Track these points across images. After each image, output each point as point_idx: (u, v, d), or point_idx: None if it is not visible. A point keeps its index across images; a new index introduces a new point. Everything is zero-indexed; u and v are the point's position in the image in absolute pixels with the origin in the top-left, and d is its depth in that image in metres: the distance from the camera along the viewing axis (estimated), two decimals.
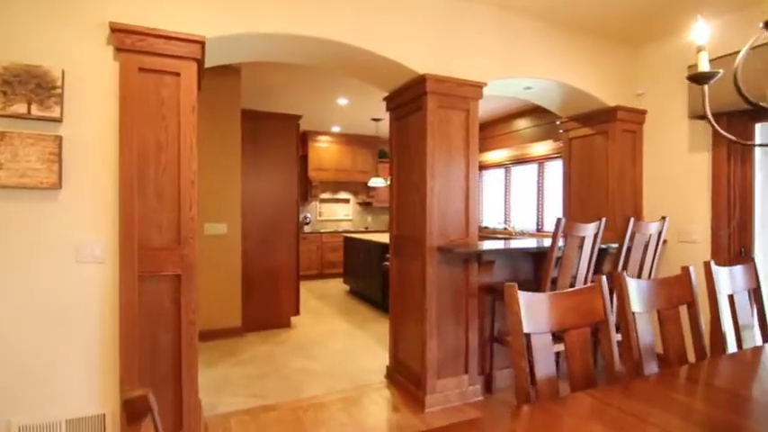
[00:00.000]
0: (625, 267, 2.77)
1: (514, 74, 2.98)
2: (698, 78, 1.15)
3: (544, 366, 1.26)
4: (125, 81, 2.00)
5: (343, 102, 5.47)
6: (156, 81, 2.06)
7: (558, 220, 2.40)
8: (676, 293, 1.60)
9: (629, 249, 2.72)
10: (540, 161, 6.19)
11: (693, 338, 1.61)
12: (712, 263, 1.75)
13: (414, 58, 2.64)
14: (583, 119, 3.67)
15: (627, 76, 3.54)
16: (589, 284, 1.42)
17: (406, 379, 2.89)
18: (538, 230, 6.26)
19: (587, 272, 2.62)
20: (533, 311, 1.25)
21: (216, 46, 2.27)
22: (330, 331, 4.33)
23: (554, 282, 2.57)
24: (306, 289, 6.56)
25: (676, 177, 3.32)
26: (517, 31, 3.00)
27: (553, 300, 1.30)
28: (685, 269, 1.65)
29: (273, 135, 4.41)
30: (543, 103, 3.68)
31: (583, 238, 2.51)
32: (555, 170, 5.92)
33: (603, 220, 2.59)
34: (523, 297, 1.24)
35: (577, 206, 3.78)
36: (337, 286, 6.84)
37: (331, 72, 4.29)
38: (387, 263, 4.83)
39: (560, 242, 2.44)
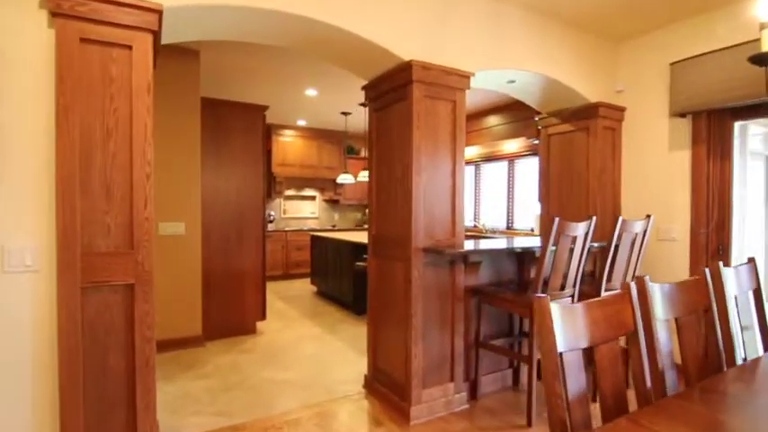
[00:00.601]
0: (612, 267, 2.70)
1: (502, 65, 2.85)
2: (763, 59, 1.00)
3: (576, 388, 1.10)
4: (63, 53, 1.66)
5: (311, 93, 5.18)
6: (103, 55, 1.73)
7: (556, 220, 2.28)
8: (694, 298, 1.50)
9: (616, 248, 2.65)
10: (511, 159, 6.17)
11: (709, 346, 1.51)
12: (721, 264, 1.66)
13: (399, 43, 2.43)
14: (563, 115, 3.60)
15: (607, 73, 3.50)
16: (616, 292, 1.27)
17: (387, 389, 2.70)
18: (508, 228, 6.24)
19: (577, 272, 2.53)
20: (567, 326, 1.08)
21: (173, 19, 1.96)
22: (300, 336, 4.06)
23: (545, 283, 2.45)
24: (271, 290, 6.22)
25: (656, 175, 3.31)
26: (506, 22, 2.86)
27: (586, 310, 1.14)
28: (701, 272, 1.55)
29: (237, 127, 4.07)
30: (523, 97, 3.58)
31: (575, 238, 2.41)
32: (526, 168, 5.92)
33: (594, 219, 2.50)
34: (557, 310, 1.06)
35: (556, 204, 3.72)
36: (304, 287, 6.54)
37: (302, 58, 4.01)
38: (360, 263, 4.62)
39: (550, 242, 2.33)
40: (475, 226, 6.76)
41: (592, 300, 1.20)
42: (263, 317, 4.20)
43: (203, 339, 3.80)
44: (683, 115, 3.11)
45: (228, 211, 4.03)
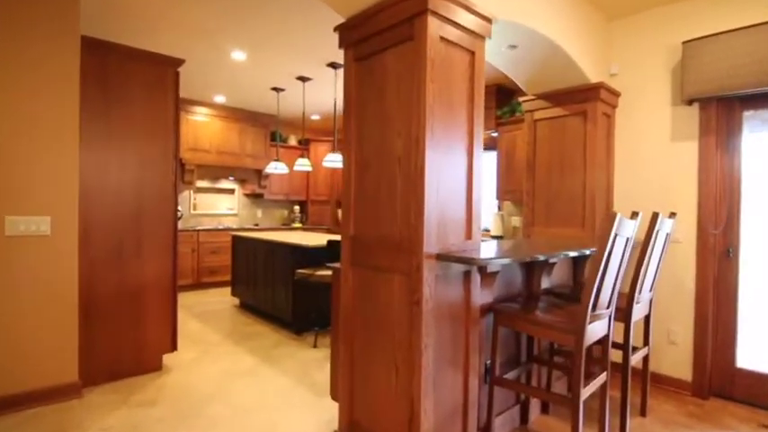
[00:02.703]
0: (641, 273, 2.22)
1: (520, 18, 2.21)
2: None
3: None
4: None
5: (238, 56, 4.12)
6: None
7: (618, 215, 1.68)
8: None
9: (643, 251, 2.16)
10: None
11: None
12: None
13: None
14: (555, 97, 3.11)
15: (603, 52, 3.08)
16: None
17: None
18: None
19: (620, 282, 1.98)
20: None
21: None
22: (226, 372, 3.05)
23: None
24: (181, 305, 4.97)
25: (655, 169, 2.96)
26: None
27: None
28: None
29: (137, 84, 2.93)
30: (515, 72, 3.01)
31: (627, 240, 1.85)
32: (485, 162, 5.46)
33: (641, 215, 1.97)
34: None
35: (542, 200, 3.22)
36: (223, 299, 5.38)
37: (232, 6, 3.02)
38: (303, 270, 3.71)
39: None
40: None
41: None
42: (172, 347, 3.10)
43: (80, 387, 2.61)
44: (689, 102, 2.77)
45: (123, 203, 2.87)
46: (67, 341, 2.58)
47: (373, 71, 1.93)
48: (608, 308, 1.90)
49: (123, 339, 2.89)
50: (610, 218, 1.69)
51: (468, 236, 1.89)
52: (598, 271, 1.71)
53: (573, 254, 2.10)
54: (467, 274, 1.88)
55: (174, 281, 3.12)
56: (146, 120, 2.97)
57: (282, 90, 5.17)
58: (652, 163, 2.97)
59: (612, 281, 1.85)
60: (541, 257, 1.91)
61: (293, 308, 3.94)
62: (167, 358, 3.20)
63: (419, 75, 1.69)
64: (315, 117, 6.79)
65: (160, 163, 3.03)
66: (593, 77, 2.93)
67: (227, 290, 5.96)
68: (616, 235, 1.73)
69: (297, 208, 7.34)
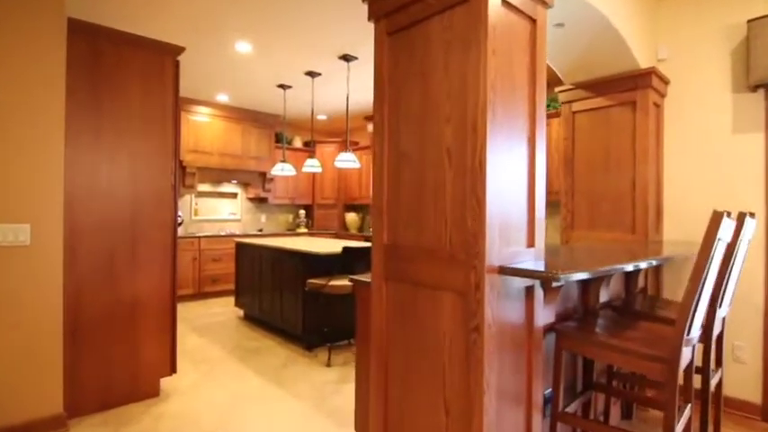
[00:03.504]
0: (723, 284, 1.88)
1: None
2: None
3: None
4: None
5: (243, 48, 3.81)
6: None
7: (720, 215, 1.35)
8: None
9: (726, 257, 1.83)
10: None
11: None
12: None
13: None
14: (598, 86, 2.79)
15: (651, 34, 2.77)
16: None
17: None
18: None
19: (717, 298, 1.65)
20: None
21: None
22: (232, 396, 2.70)
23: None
24: (181, 317, 4.63)
25: (713, 165, 2.63)
26: None
27: None
28: None
29: (132, 73, 2.61)
30: (556, 55, 2.69)
31: (734, 244, 1.52)
32: None
33: (748, 216, 1.65)
34: None
35: (584, 201, 2.89)
36: (226, 310, 5.04)
37: None
38: (315, 280, 3.38)
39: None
40: None
41: None
42: (170, 370, 2.75)
43: (66, 419, 2.27)
44: (754, 89, 2.45)
45: (115, 208, 2.54)
46: (50, 367, 2.23)
47: (412, 45, 1.61)
48: (700, 329, 1.57)
49: (115, 363, 2.55)
50: (714, 219, 1.36)
51: (531, 242, 1.56)
52: (698, 286, 1.38)
53: (655, 262, 1.77)
54: (529, 290, 1.55)
55: (174, 295, 2.78)
56: (142, 114, 2.65)
57: (289, 87, 4.86)
58: (709, 158, 2.64)
59: (709, 297, 1.52)
60: (630, 267, 1.58)
61: (303, 321, 3.60)
62: (165, 382, 2.85)
63: (477, 45, 1.37)
64: (321, 117, 6.47)
65: (158, 162, 2.71)
66: (643, 63, 2.61)
67: (231, 300, 5.62)
68: (719, 240, 1.40)
69: (302, 212, 7.00)
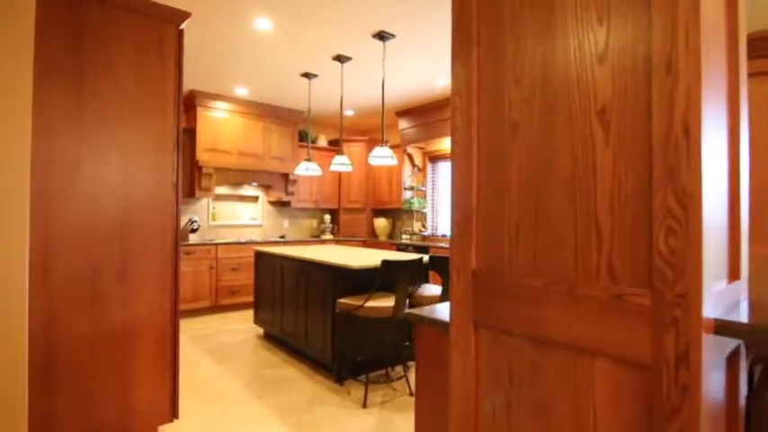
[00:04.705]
0: None
1: None
2: None
3: None
4: None
5: (263, 25, 3.27)
6: None
7: None
8: None
9: None
10: None
11: None
12: None
13: None
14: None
15: None
16: None
17: None
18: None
19: None
20: None
21: None
22: None
23: None
24: (192, 336, 4.12)
25: None
26: None
27: None
28: None
29: (125, 43, 2.08)
30: None
31: None
32: None
33: None
34: None
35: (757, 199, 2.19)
36: (244, 328, 4.50)
37: None
38: (345, 300, 2.78)
39: None
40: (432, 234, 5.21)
41: None
42: (171, 415, 2.20)
43: None
44: None
45: (102, 215, 2.02)
46: (13, 415, 1.71)
47: None
48: None
49: (101, 406, 2.01)
50: None
51: (735, 273, 0.92)
52: None
53: None
54: (733, 355, 0.90)
55: (176, 318, 2.23)
56: (137, 97, 2.12)
57: (315, 76, 4.31)
58: None
59: None
60: None
61: (333, 348, 3.00)
62: (165, 431, 2.30)
63: None
64: (348, 113, 5.92)
65: (155, 155, 2.17)
66: None
67: (250, 314, 5.10)
68: None
69: (327, 217, 6.45)
